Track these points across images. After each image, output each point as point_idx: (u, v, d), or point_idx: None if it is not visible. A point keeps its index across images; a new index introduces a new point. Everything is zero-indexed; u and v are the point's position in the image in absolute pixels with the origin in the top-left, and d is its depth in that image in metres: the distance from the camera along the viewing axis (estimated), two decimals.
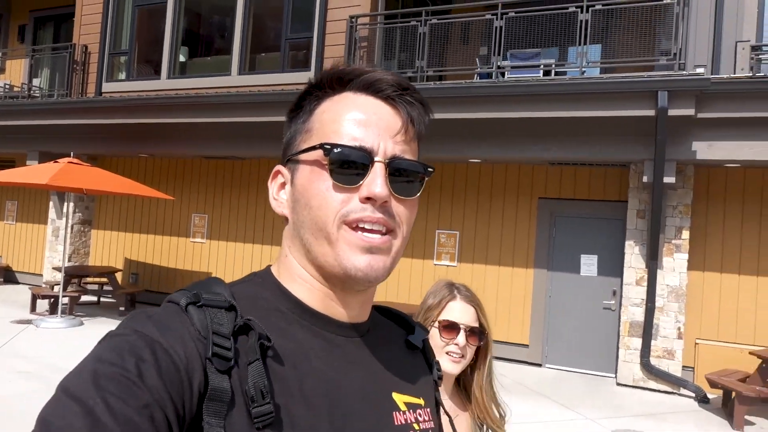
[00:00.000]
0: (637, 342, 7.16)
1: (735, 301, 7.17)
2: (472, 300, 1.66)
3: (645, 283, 7.13)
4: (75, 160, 8.89)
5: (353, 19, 8.78)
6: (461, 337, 1.58)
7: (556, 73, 8.25)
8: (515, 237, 8.35)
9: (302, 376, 0.67)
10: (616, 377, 7.37)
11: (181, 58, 10.88)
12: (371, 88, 0.74)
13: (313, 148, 0.71)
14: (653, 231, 6.85)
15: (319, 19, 9.22)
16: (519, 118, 6.91)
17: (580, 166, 7.94)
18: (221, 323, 0.63)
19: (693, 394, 6.85)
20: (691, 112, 6.04)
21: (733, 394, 6.08)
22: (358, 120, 0.72)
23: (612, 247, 7.71)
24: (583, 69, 7.37)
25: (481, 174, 8.61)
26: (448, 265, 8.72)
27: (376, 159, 0.70)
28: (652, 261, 7.06)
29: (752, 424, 6.14)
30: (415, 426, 0.77)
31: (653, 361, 7.07)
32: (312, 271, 0.73)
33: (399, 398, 0.77)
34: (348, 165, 0.69)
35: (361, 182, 0.69)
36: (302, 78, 9.15)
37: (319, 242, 0.70)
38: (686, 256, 7.03)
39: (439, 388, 0.91)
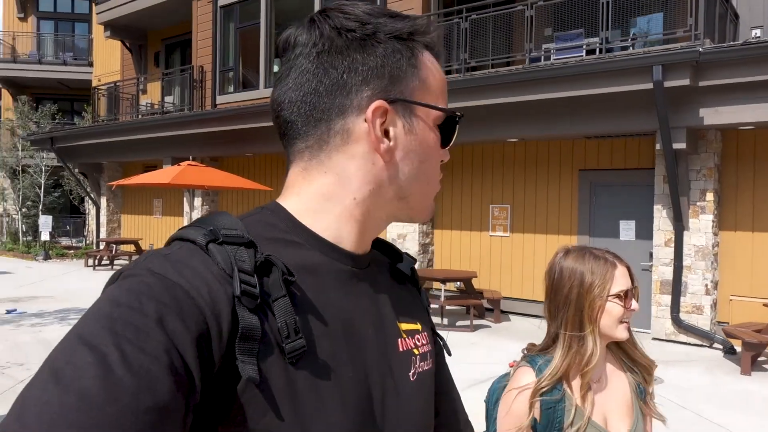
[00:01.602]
0: (667, 299, 7.68)
1: (766, 258, 7.41)
2: (623, 261, 1.58)
3: (672, 244, 7.61)
4: (193, 163, 10.97)
5: None
6: (634, 302, 1.53)
7: (606, 51, 8.75)
8: (559, 207, 9.08)
9: (323, 308, 0.66)
10: (650, 332, 7.93)
11: (275, 69, 12.68)
12: (436, 53, 0.76)
13: (442, 110, 0.74)
14: (673, 194, 7.33)
15: None
16: (542, 99, 7.69)
17: (615, 138, 8.46)
18: (243, 260, 0.60)
19: (721, 347, 7.28)
20: (686, 82, 6.49)
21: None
22: (444, 85, 0.77)
23: (646, 212, 8.20)
24: (635, 43, 7.91)
25: (526, 151, 9.39)
26: (501, 236, 9.64)
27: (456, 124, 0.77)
28: (678, 223, 7.52)
29: (766, 371, 6.53)
30: (415, 351, 0.79)
31: (683, 316, 7.56)
32: (384, 213, 0.75)
33: (401, 325, 0.79)
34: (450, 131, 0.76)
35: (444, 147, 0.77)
36: None
37: (424, 192, 0.75)
38: (711, 216, 7.40)
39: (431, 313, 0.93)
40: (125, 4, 15.56)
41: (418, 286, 0.90)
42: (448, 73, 9.73)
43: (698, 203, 7.47)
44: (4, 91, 24.25)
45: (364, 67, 0.70)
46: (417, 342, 0.80)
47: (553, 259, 1.60)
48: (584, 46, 8.63)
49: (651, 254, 8.17)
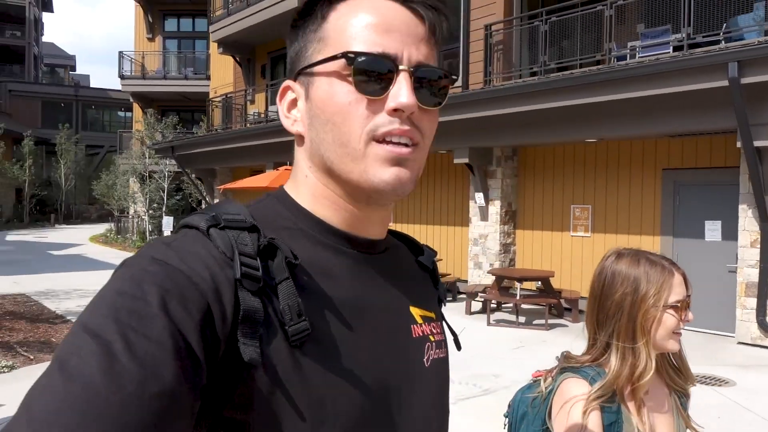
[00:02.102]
0: (753, 302, 7.39)
1: None
2: (679, 268, 1.47)
3: (758, 245, 7.33)
4: (290, 168, 11.88)
5: (488, 27, 10.18)
6: (690, 313, 1.44)
7: (690, 47, 8.54)
8: (642, 207, 8.95)
9: (330, 292, 0.66)
10: (735, 336, 7.66)
11: None
12: None
13: (333, 58, 0.66)
14: (757, 193, 7.07)
15: (464, 31, 10.78)
16: (617, 99, 7.69)
17: (700, 136, 8.23)
18: (245, 243, 0.61)
19: None
20: (764, 78, 6.29)
21: None
22: (379, 25, 0.66)
23: (733, 211, 7.91)
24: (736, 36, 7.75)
25: (608, 150, 9.33)
26: (582, 236, 9.64)
27: (401, 67, 0.66)
28: (764, 223, 7.23)
29: None
30: (431, 338, 0.79)
31: None
32: (336, 188, 0.71)
33: (416, 311, 0.78)
34: (373, 74, 0.65)
35: (386, 93, 0.65)
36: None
37: (344, 159, 0.67)
38: None
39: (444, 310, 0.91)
40: (235, 23, 16.96)
41: (438, 280, 0.90)
42: (532, 74, 9.87)
43: None
44: (135, 105, 27.04)
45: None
46: (433, 329, 0.80)
47: (603, 262, 1.49)
48: (670, 43, 8.48)
49: (737, 255, 7.88)
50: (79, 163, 36.50)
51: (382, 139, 0.66)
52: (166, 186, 21.07)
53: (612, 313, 1.43)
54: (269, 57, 18.23)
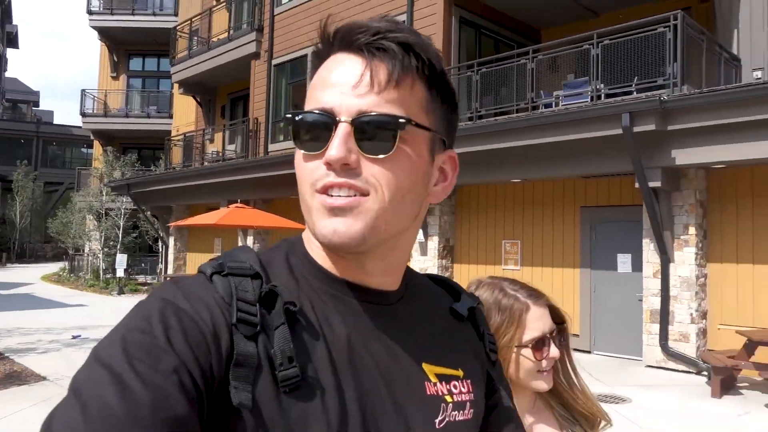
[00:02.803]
0: (657, 327, 8.12)
1: (751, 288, 7.76)
2: (540, 296, 1.35)
3: (660, 276, 8.11)
4: (240, 205, 12.39)
5: None
6: (554, 348, 1.29)
7: (598, 98, 9.46)
8: (563, 241, 9.72)
9: (328, 341, 0.66)
10: (642, 359, 8.35)
11: None
12: (346, 42, 0.68)
13: (287, 121, 0.72)
14: (655, 229, 7.89)
15: None
16: (530, 145, 8.51)
17: (612, 177, 9.09)
18: (246, 290, 0.64)
19: (706, 373, 7.63)
20: (652, 127, 7.16)
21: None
22: (323, 81, 0.68)
23: (640, 245, 8.72)
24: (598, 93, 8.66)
25: (534, 189, 10.14)
26: (513, 269, 10.33)
27: (339, 119, 0.66)
28: (663, 255, 8.03)
29: (741, 394, 6.88)
30: (447, 398, 0.74)
31: (671, 344, 7.98)
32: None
33: (429, 369, 0.75)
34: (311, 132, 0.67)
35: (325, 147, 0.66)
36: None
37: (305, 213, 0.70)
38: (694, 249, 7.87)
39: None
40: (196, 65, 17.63)
41: (481, 329, 0.86)
42: (470, 119, 10.69)
43: (682, 237, 7.98)
44: (96, 142, 27.24)
45: None
46: (452, 388, 0.76)
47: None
48: (588, 93, 9.41)
49: (642, 285, 8.65)
50: (36, 200, 36.13)
51: (323, 192, 0.66)
52: (121, 224, 21.20)
53: None
54: (229, 98, 18.89)
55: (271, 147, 15.08)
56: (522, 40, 12.62)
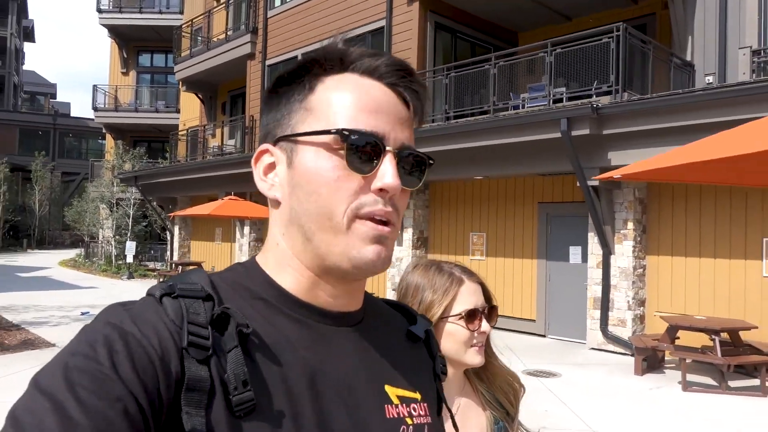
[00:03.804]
0: (599, 314, 8.91)
1: (683, 278, 8.51)
2: (473, 274, 1.42)
3: (601, 266, 8.88)
4: (234, 197, 13.32)
5: None
6: (485, 323, 1.37)
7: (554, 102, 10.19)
8: (523, 234, 10.51)
9: (285, 365, 0.65)
10: (586, 342, 9.16)
11: None
12: (375, 73, 0.71)
13: (326, 132, 0.67)
14: (596, 224, 8.65)
15: None
16: (490, 145, 9.29)
17: (565, 175, 9.84)
18: (198, 312, 0.62)
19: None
20: (586, 131, 7.91)
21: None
22: (368, 105, 0.69)
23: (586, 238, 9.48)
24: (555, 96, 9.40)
25: (498, 186, 10.92)
26: (479, 260, 11.15)
27: (387, 148, 0.68)
28: (605, 248, 8.80)
29: (663, 373, 7.68)
30: (408, 420, 0.74)
31: (610, 328, 8.76)
32: (307, 259, 0.70)
33: (391, 391, 0.74)
34: (364, 153, 0.67)
35: (373, 171, 0.67)
36: None
37: (325, 232, 0.67)
38: (632, 243, 8.63)
39: (443, 384, 0.88)
40: (197, 64, 18.55)
41: (434, 352, 0.86)
42: (447, 119, 11.48)
43: (622, 231, 8.73)
44: (108, 135, 28.39)
45: (265, 119, 0.74)
46: (412, 411, 0.75)
47: (403, 274, 1.48)
48: (547, 96, 10.14)
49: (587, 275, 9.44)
50: (54, 189, 37.57)
51: (364, 217, 0.67)
52: (131, 213, 22.32)
53: None
54: (229, 95, 19.80)
55: None
56: (498, 43, 13.31)
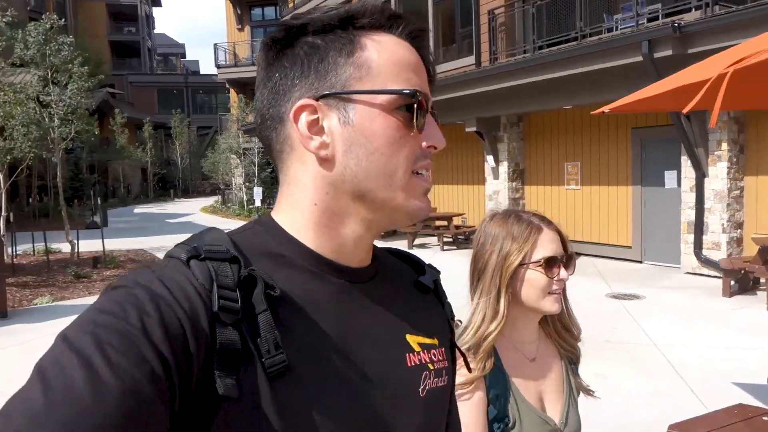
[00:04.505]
0: (692, 238, 8.86)
1: None
2: (551, 223, 1.43)
3: (695, 190, 8.75)
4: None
5: (491, 12, 11.86)
6: (563, 271, 1.38)
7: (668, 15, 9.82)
8: (618, 161, 10.45)
9: (312, 324, 0.66)
10: (680, 267, 9.17)
11: None
12: (409, 36, 0.73)
13: (389, 92, 0.68)
14: (687, 147, 8.51)
15: (474, 16, 12.49)
16: (573, 74, 9.28)
17: None
18: (225, 275, 0.61)
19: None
20: (669, 53, 7.72)
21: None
22: (416, 68, 0.71)
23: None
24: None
25: (590, 114, 10.82)
26: (574, 189, 11.27)
27: (431, 109, 0.73)
28: (698, 171, 8.65)
29: (754, 295, 7.65)
30: (430, 366, 0.77)
31: (704, 252, 8.71)
32: (351, 217, 0.71)
33: (412, 339, 0.77)
34: (420, 113, 0.69)
35: (423, 130, 0.70)
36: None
37: (387, 188, 0.69)
38: (726, 164, 8.39)
39: (455, 329, 0.90)
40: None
41: (443, 299, 0.88)
42: (539, 48, 11.46)
43: (716, 152, 8.51)
44: (231, 90, 30.57)
45: (291, 72, 0.70)
46: (433, 357, 0.78)
47: (480, 225, 1.48)
48: (633, 17, 9.81)
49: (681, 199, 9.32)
50: (192, 143, 41.32)
51: (417, 172, 0.71)
52: (256, 161, 24.30)
53: (481, 273, 1.42)
54: None
55: None
56: None
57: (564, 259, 1.40)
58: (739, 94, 3.44)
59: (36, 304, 8.64)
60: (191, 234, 0.69)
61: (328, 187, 0.70)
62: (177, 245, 0.66)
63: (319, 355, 0.65)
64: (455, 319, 0.92)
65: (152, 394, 0.53)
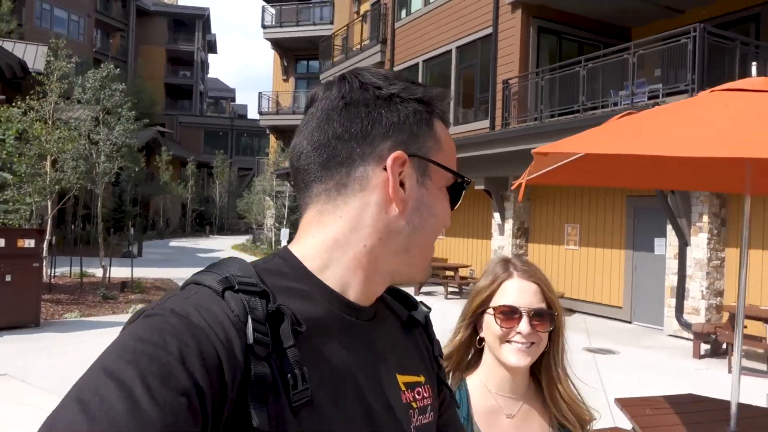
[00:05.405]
0: (674, 302, 9.35)
1: (760, 271, 8.69)
2: (533, 275, 1.37)
3: (678, 257, 9.31)
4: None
5: (505, 82, 12.84)
6: (524, 324, 1.31)
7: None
8: (613, 226, 11.08)
9: (328, 358, 0.68)
10: (663, 329, 9.62)
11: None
12: (446, 125, 0.81)
13: (457, 175, 0.79)
14: (671, 217, 9.13)
15: (491, 85, 13.49)
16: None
17: None
18: (256, 308, 0.63)
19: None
20: None
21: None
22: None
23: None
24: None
25: None
26: (573, 249, 11.88)
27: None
28: (681, 239, 9.23)
29: (722, 358, 8.08)
30: (413, 404, 0.80)
31: (685, 316, 9.18)
32: (390, 264, 0.76)
33: (400, 378, 0.80)
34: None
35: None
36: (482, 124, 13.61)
37: (425, 248, 0.77)
38: (707, 235, 8.97)
39: (442, 366, 0.94)
40: (338, 72, 20.87)
41: (432, 336, 0.92)
42: (551, 117, 12.32)
43: (697, 224, 9.10)
44: (272, 135, 32.27)
45: (388, 121, 0.73)
46: (416, 395, 0.81)
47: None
48: (643, 93, 10.62)
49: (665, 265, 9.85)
50: (231, 183, 43.18)
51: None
52: (287, 204, 25.52)
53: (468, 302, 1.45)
54: None
55: None
56: (610, 41, 13.66)
57: (531, 313, 1.32)
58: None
59: (65, 317, 9.63)
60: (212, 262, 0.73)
61: (385, 233, 0.74)
62: (205, 273, 0.68)
63: (335, 389, 0.68)
64: (443, 357, 0.96)
65: (190, 426, 0.54)
